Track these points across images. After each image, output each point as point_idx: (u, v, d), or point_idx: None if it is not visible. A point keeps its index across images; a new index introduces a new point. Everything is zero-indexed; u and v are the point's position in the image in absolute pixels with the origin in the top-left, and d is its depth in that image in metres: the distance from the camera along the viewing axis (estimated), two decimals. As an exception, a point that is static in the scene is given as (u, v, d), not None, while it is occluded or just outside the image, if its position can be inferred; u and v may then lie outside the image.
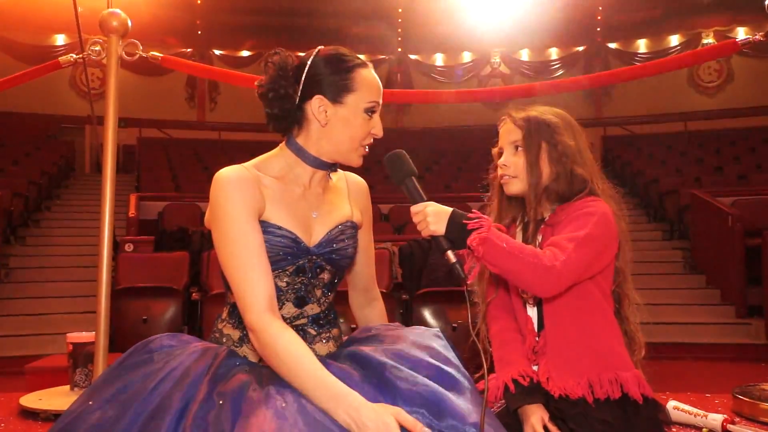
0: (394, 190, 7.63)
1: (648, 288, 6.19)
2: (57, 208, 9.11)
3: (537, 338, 1.44)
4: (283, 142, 1.35)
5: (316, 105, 1.28)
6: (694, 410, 1.84)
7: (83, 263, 6.70)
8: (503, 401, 1.41)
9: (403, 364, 1.17)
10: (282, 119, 1.31)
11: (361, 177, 1.48)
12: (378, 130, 1.32)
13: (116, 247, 4.98)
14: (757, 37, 2.24)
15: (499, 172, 1.48)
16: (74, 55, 2.56)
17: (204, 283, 4.68)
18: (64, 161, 10.76)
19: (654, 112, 12.47)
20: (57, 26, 12.07)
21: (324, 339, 1.32)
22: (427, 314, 3.98)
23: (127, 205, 7.38)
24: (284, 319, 1.26)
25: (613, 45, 13.65)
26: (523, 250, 1.27)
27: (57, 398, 2.19)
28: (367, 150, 1.34)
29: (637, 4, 12.68)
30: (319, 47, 1.33)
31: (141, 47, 2.42)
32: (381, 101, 1.33)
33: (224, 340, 1.30)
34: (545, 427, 1.35)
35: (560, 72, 13.58)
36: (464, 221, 1.26)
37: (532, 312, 1.46)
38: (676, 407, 1.86)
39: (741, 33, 12.25)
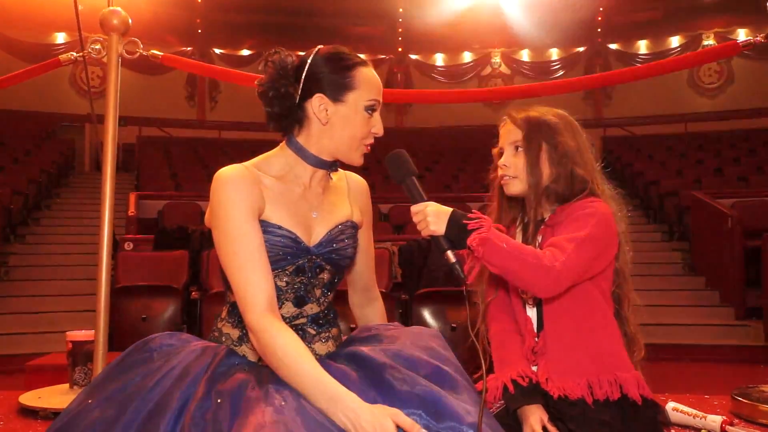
0: (394, 190, 7.65)
1: (647, 289, 6.20)
2: (57, 206, 9.11)
3: (536, 339, 1.44)
4: (284, 142, 1.35)
5: (317, 103, 1.28)
6: (693, 411, 1.83)
7: (83, 261, 6.70)
8: (502, 402, 1.41)
9: (401, 365, 1.17)
10: (282, 118, 1.31)
11: (361, 177, 1.48)
12: (378, 129, 1.32)
13: (116, 245, 4.98)
14: (757, 38, 2.24)
15: (500, 172, 1.48)
16: (74, 54, 2.56)
17: (203, 282, 4.68)
18: (63, 159, 10.76)
19: (654, 113, 12.48)
20: (57, 24, 12.07)
21: (323, 339, 1.32)
22: (427, 314, 3.98)
23: (127, 204, 7.38)
24: (284, 318, 1.26)
25: (613, 46, 13.66)
26: (523, 250, 1.27)
27: (56, 396, 2.19)
28: (368, 149, 1.34)
29: (638, 5, 12.69)
30: (319, 46, 1.33)
31: (141, 46, 2.42)
32: (381, 100, 1.32)
33: (223, 339, 1.30)
34: (544, 428, 1.34)
35: (561, 72, 13.59)
36: (464, 221, 1.26)
37: (532, 312, 1.46)
38: (675, 408, 1.86)
39: (742, 35, 12.26)
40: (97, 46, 2.41)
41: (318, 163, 1.32)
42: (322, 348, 1.31)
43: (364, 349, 1.22)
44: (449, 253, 1.26)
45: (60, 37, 12.68)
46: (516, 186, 1.45)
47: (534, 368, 1.43)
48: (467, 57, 14.23)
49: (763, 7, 2.13)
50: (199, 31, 13.27)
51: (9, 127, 11.15)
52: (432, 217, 1.26)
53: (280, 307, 1.26)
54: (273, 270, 1.24)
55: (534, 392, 1.38)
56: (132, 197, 7.51)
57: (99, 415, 1.13)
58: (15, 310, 6.00)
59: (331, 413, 1.07)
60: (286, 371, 1.13)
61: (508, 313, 1.51)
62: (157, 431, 1.08)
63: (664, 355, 5.24)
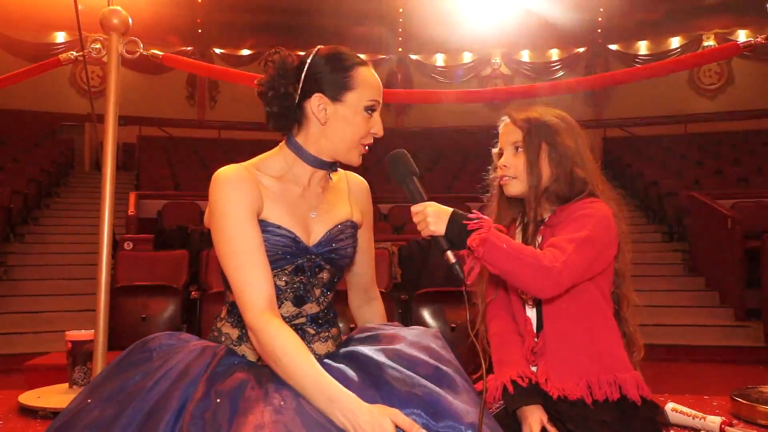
0: (393, 190, 7.64)
1: (647, 290, 6.20)
2: (56, 205, 9.11)
3: (536, 339, 1.44)
4: (283, 142, 1.35)
5: (316, 103, 1.28)
6: (692, 412, 1.84)
7: (82, 261, 6.70)
8: (501, 402, 1.41)
9: (401, 364, 1.17)
10: (282, 118, 1.31)
11: (361, 177, 1.48)
12: (378, 129, 1.32)
13: (115, 245, 4.97)
14: (758, 39, 2.24)
15: (499, 172, 1.48)
16: (75, 53, 2.56)
17: (203, 282, 4.68)
18: (63, 159, 10.76)
19: (654, 114, 12.47)
20: (57, 24, 12.07)
21: (323, 338, 1.32)
22: (426, 314, 3.98)
23: (127, 204, 7.38)
24: (283, 318, 1.25)
25: (613, 47, 13.66)
26: (523, 251, 1.27)
27: (56, 396, 2.19)
28: (367, 149, 1.34)
29: (638, 6, 12.68)
30: (319, 46, 1.33)
31: (141, 45, 2.42)
32: (381, 100, 1.32)
33: (223, 339, 1.30)
34: (543, 429, 1.34)
35: (561, 73, 13.59)
36: (464, 221, 1.26)
37: (531, 313, 1.46)
38: (674, 409, 1.86)
39: (742, 36, 12.25)
40: (98, 46, 2.41)
41: (317, 163, 1.32)
42: (322, 348, 1.31)
43: (364, 349, 1.22)
44: (449, 254, 1.26)
45: (60, 37, 12.68)
46: (516, 186, 1.46)
47: (533, 368, 1.43)
48: (467, 57, 14.23)
49: (764, 8, 2.14)
50: (200, 30, 13.27)
51: (9, 127, 11.15)
52: (432, 217, 1.26)
53: (279, 307, 1.26)
54: (272, 270, 1.24)
55: (533, 393, 1.38)
56: (132, 197, 7.51)
57: (98, 414, 1.13)
58: (14, 309, 5.99)
59: (329, 413, 1.08)
60: (284, 370, 1.13)
61: (508, 314, 1.52)
62: (157, 431, 1.08)
63: (664, 356, 5.24)
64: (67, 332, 2.34)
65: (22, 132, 11.26)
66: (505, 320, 1.51)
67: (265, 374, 1.17)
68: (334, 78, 1.28)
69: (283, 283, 1.28)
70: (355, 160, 1.33)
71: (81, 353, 2.28)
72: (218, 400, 1.09)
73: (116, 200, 2.37)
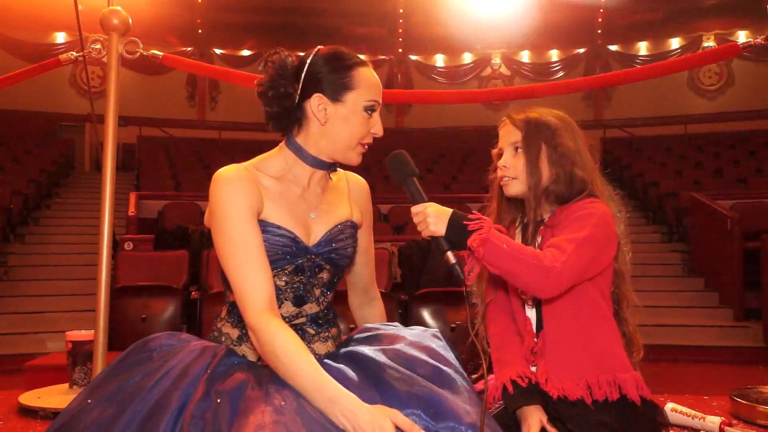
0: (393, 191, 7.65)
1: (647, 290, 6.19)
2: (56, 206, 9.10)
3: (536, 339, 1.44)
4: (283, 142, 1.35)
5: (316, 103, 1.28)
6: (692, 412, 1.84)
7: (82, 261, 6.69)
8: (501, 402, 1.41)
9: (401, 365, 1.17)
10: (281, 118, 1.31)
11: (361, 177, 1.48)
12: (378, 129, 1.32)
13: (116, 245, 4.98)
14: (758, 40, 2.24)
15: (499, 173, 1.48)
16: (75, 53, 2.56)
17: (203, 282, 4.68)
18: (63, 159, 10.75)
19: (654, 114, 12.48)
20: (57, 24, 12.07)
21: (323, 338, 1.32)
22: (426, 315, 3.98)
23: (127, 204, 7.38)
24: (283, 318, 1.26)
25: (613, 47, 13.66)
26: (524, 251, 1.27)
27: (56, 396, 2.19)
28: (366, 149, 1.34)
29: (638, 7, 12.69)
30: (319, 47, 1.33)
31: (141, 45, 2.42)
32: (381, 100, 1.33)
33: (223, 339, 1.30)
34: (543, 429, 1.35)
35: (561, 74, 13.59)
36: (464, 222, 1.26)
37: (531, 313, 1.46)
38: (673, 409, 1.86)
39: (742, 36, 12.26)
40: (98, 46, 2.41)
41: (316, 163, 1.33)
42: (322, 348, 1.31)
43: (364, 349, 1.22)
44: (449, 254, 1.26)
45: (60, 37, 12.68)
46: (516, 187, 1.46)
47: (533, 368, 1.43)
48: (467, 58, 14.23)
49: (764, 9, 2.14)
50: (200, 31, 13.27)
51: (9, 127, 11.15)
52: (432, 217, 1.26)
53: (279, 307, 1.26)
54: (272, 270, 1.24)
55: (533, 393, 1.38)
56: (132, 197, 7.51)
57: (99, 414, 1.13)
58: (15, 309, 5.99)
59: (329, 413, 1.08)
60: (284, 370, 1.13)
61: (508, 314, 1.52)
62: (157, 431, 1.08)
63: (663, 356, 5.24)
64: (67, 332, 2.34)
65: (22, 132, 11.26)
66: (505, 320, 1.51)
67: (266, 374, 1.17)
68: (334, 78, 1.28)
69: (283, 283, 1.28)
70: (355, 159, 1.33)
71: (81, 353, 2.28)
72: (218, 401, 1.09)
73: (116, 200, 2.37)
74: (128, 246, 5.39)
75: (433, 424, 1.10)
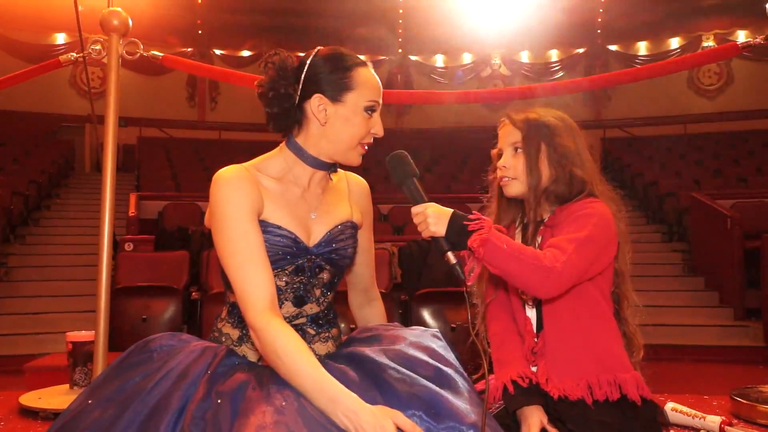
0: (393, 191, 7.65)
1: (647, 290, 6.19)
2: (57, 207, 9.11)
3: (536, 339, 1.44)
4: (283, 143, 1.35)
5: (316, 104, 1.29)
6: (692, 412, 1.84)
7: (83, 262, 6.70)
8: (501, 402, 1.41)
9: (401, 365, 1.17)
10: (282, 119, 1.31)
11: (361, 177, 1.48)
12: (378, 130, 1.32)
13: (116, 246, 4.98)
14: (757, 40, 2.24)
15: (499, 173, 1.48)
16: (75, 54, 2.56)
17: (204, 283, 4.69)
18: (64, 160, 10.76)
19: (654, 114, 12.48)
20: (57, 25, 12.07)
21: (323, 339, 1.32)
22: (426, 315, 3.99)
23: (127, 205, 7.39)
24: (283, 318, 1.26)
25: (613, 47, 13.66)
26: (524, 251, 1.27)
27: (56, 397, 2.19)
28: (366, 149, 1.34)
29: (638, 7, 12.68)
30: (319, 47, 1.34)
31: (142, 46, 2.42)
32: (381, 101, 1.33)
33: (223, 340, 1.30)
34: (544, 430, 1.35)
35: (560, 74, 13.59)
36: (465, 222, 1.26)
37: (531, 313, 1.46)
38: (674, 409, 1.86)
39: (741, 36, 12.25)
40: (98, 47, 2.41)
41: (316, 164, 1.33)
42: (322, 348, 1.31)
43: (364, 350, 1.22)
44: (450, 255, 1.26)
45: (60, 38, 12.68)
46: (515, 187, 1.46)
47: (533, 368, 1.43)
48: (467, 58, 14.23)
49: (763, 8, 2.13)
50: (200, 32, 13.27)
51: (9, 128, 11.15)
52: (432, 218, 1.27)
53: (279, 307, 1.26)
54: (272, 270, 1.24)
55: (534, 393, 1.38)
56: (132, 198, 7.52)
57: (99, 415, 1.13)
58: (15, 310, 5.99)
59: (331, 413, 1.08)
60: (286, 370, 1.13)
61: (508, 314, 1.52)
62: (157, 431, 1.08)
63: (663, 356, 5.23)
64: (67, 333, 2.33)
65: (22, 133, 11.26)
66: (505, 320, 1.51)
67: (266, 375, 1.17)
68: (333, 79, 1.28)
69: (283, 284, 1.28)
70: (355, 160, 1.34)
71: (82, 354, 2.28)
72: (219, 401, 1.09)
73: (117, 201, 2.37)
74: (128, 247, 5.40)
75: (434, 425, 1.10)
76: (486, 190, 1.58)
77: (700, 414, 1.82)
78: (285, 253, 1.26)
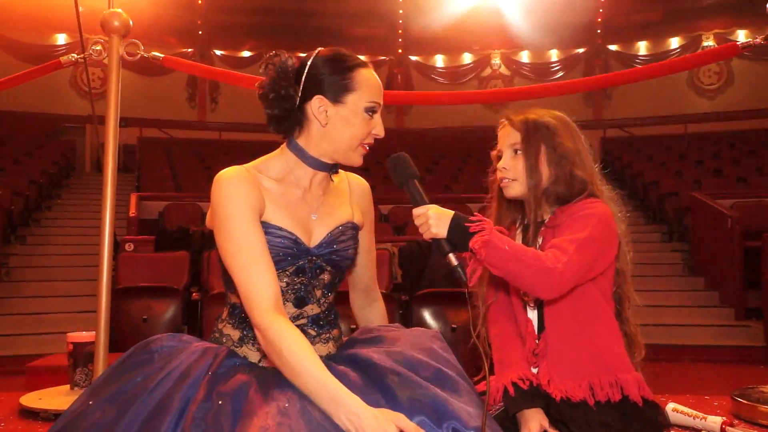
0: (394, 191, 7.64)
1: (647, 290, 6.19)
2: (57, 207, 9.11)
3: (537, 341, 1.44)
4: (284, 144, 1.35)
5: (317, 105, 1.29)
6: (693, 412, 1.84)
7: (83, 263, 6.70)
8: (502, 404, 1.41)
9: (403, 366, 1.17)
10: (282, 120, 1.32)
11: (362, 178, 1.48)
12: (379, 130, 1.33)
13: (116, 246, 4.98)
14: (757, 40, 2.24)
15: (499, 175, 1.48)
16: (75, 55, 2.56)
17: (204, 283, 4.68)
18: (64, 161, 10.76)
19: (654, 114, 12.47)
20: (58, 26, 12.08)
21: (324, 340, 1.32)
22: (427, 315, 3.98)
23: (128, 205, 7.39)
24: (285, 318, 1.26)
25: (613, 47, 13.66)
26: (526, 252, 1.27)
27: (57, 398, 2.19)
28: (367, 150, 1.34)
29: (638, 7, 12.69)
30: (319, 48, 1.34)
31: (142, 47, 2.42)
32: (381, 101, 1.33)
33: (224, 340, 1.30)
34: None
35: (560, 74, 13.59)
36: (466, 224, 1.26)
37: (533, 314, 1.46)
38: (675, 409, 1.86)
39: (741, 36, 12.26)
40: (98, 48, 2.41)
41: (317, 165, 1.33)
42: (323, 349, 1.31)
43: (366, 352, 1.22)
44: (451, 256, 1.26)
45: (61, 39, 12.69)
46: (515, 188, 1.46)
47: (534, 370, 1.43)
48: (467, 58, 14.23)
49: (763, 8, 2.13)
50: (200, 32, 13.28)
51: (10, 128, 11.16)
52: (434, 220, 1.26)
53: (282, 308, 1.26)
54: (274, 271, 1.24)
55: (534, 395, 1.37)
56: (133, 198, 7.52)
57: (100, 416, 1.13)
58: (16, 311, 5.99)
59: (333, 414, 1.08)
60: (289, 369, 1.13)
61: (509, 315, 1.51)
62: (158, 432, 1.09)
63: (664, 356, 5.24)
64: (68, 334, 2.33)
65: (23, 134, 11.26)
66: (506, 322, 1.51)
67: (268, 376, 1.17)
68: (334, 80, 1.28)
69: (284, 284, 1.28)
70: (356, 160, 1.34)
71: (82, 355, 2.28)
72: (220, 402, 1.09)
73: (117, 202, 2.37)
74: (129, 247, 5.40)
75: (437, 428, 1.10)
76: (486, 190, 1.58)
77: (701, 414, 1.82)
78: (286, 254, 1.26)
